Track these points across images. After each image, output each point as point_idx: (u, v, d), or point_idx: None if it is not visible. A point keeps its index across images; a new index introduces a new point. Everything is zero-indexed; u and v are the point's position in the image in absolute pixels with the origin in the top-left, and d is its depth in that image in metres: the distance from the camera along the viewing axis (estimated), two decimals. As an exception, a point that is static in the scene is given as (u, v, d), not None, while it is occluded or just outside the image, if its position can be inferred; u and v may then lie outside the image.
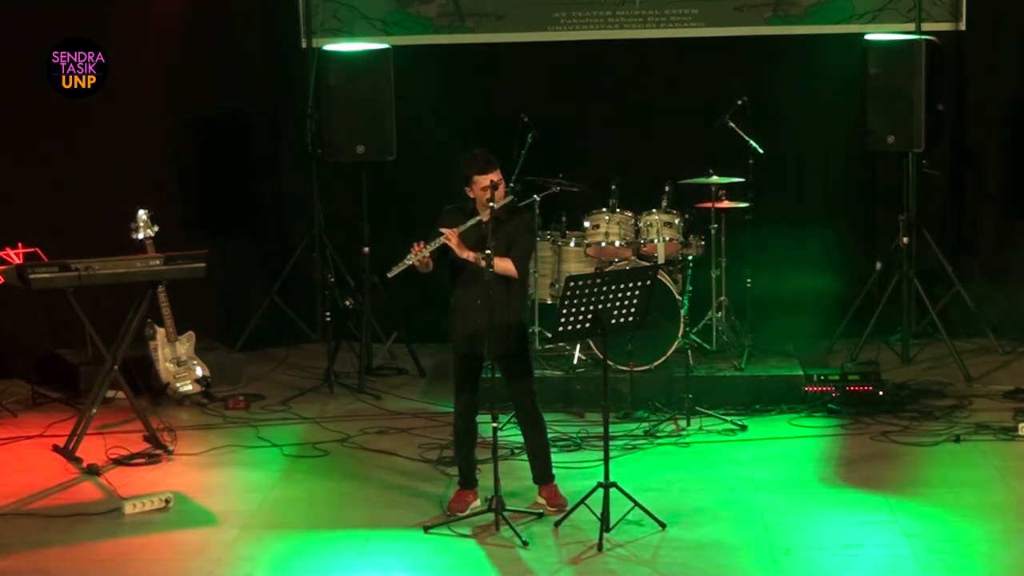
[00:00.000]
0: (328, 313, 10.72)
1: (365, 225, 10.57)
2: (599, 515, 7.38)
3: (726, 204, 10.29)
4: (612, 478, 7.50)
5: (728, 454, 8.83)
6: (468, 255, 7.50)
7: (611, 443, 7.66)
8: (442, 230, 7.52)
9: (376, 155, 10.59)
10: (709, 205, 10.21)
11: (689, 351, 9.68)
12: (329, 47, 10.81)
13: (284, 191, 11.86)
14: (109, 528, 7.72)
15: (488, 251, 7.37)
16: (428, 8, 11.51)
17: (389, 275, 7.68)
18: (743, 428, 9.24)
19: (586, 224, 10.10)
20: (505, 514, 7.50)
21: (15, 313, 10.78)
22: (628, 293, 7.45)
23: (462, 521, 7.63)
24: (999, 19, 11.18)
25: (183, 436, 9.22)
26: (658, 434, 9.14)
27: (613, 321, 7.47)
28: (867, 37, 10.62)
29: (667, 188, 10.11)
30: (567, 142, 11.29)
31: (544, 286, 10.32)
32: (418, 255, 7.51)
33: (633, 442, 8.98)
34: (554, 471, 7.94)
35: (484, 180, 7.53)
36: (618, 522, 7.43)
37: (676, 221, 10.00)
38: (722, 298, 10.42)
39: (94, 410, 8.96)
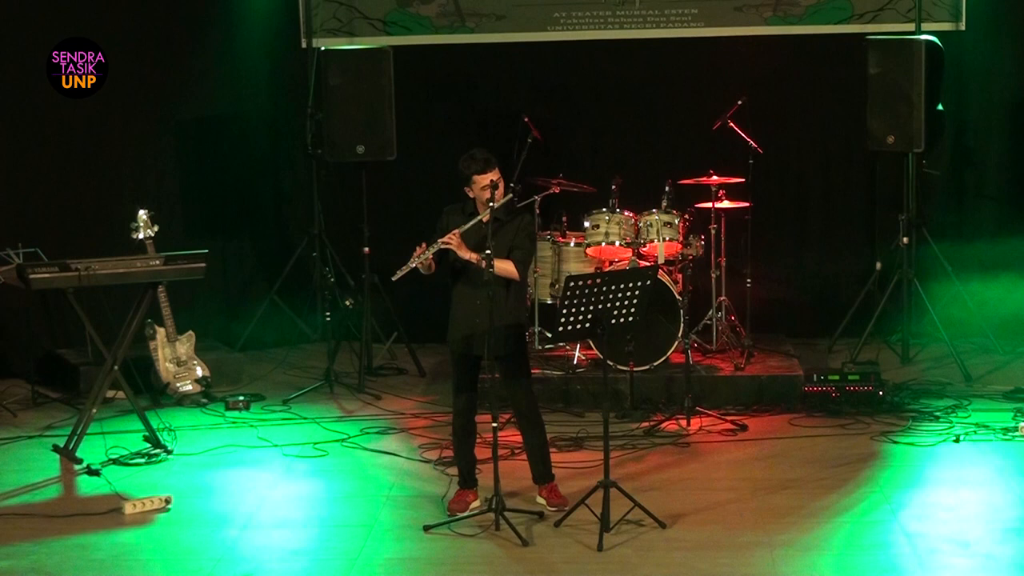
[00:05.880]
0: (328, 313, 10.71)
1: (365, 225, 10.57)
2: (599, 515, 7.38)
3: (726, 204, 10.30)
4: (612, 478, 7.51)
5: (728, 454, 8.83)
6: (469, 256, 7.50)
7: (611, 443, 7.66)
8: (442, 240, 7.52)
9: (376, 155, 10.58)
10: (709, 205, 10.22)
11: (689, 351, 9.68)
12: (329, 47, 10.81)
13: (284, 191, 11.87)
14: (109, 528, 7.73)
15: (488, 251, 7.38)
16: (428, 8, 11.50)
17: (393, 279, 7.68)
18: (743, 428, 9.25)
19: (586, 224, 10.11)
20: (505, 514, 7.50)
21: (15, 313, 10.78)
22: (628, 293, 7.46)
23: (462, 521, 7.63)
24: (999, 19, 11.17)
25: (183, 436, 9.22)
26: (658, 434, 9.15)
27: (613, 321, 7.48)
28: (867, 37, 10.63)
29: (667, 188, 10.11)
30: (568, 142, 11.30)
31: (544, 286, 10.32)
32: (420, 257, 7.52)
33: (633, 442, 8.99)
34: (554, 471, 7.95)
35: (483, 180, 7.53)
36: (618, 522, 7.43)
37: (676, 221, 10.01)
38: (722, 298, 10.42)
39: (94, 410, 8.95)
